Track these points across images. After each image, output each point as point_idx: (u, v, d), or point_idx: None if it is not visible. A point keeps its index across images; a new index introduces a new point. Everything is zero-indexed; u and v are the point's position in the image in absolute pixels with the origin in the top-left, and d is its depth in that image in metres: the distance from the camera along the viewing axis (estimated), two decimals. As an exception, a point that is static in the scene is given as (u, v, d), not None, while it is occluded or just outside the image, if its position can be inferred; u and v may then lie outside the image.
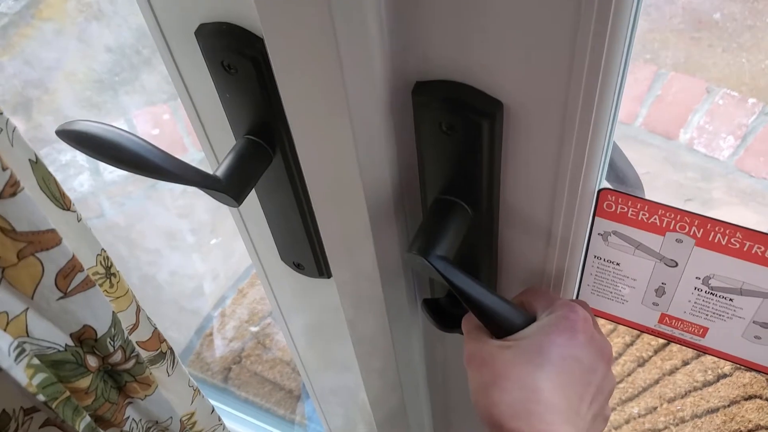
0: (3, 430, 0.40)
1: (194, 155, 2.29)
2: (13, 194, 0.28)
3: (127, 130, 0.48)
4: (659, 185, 1.65)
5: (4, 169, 0.28)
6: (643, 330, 0.56)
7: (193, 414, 0.54)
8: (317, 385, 0.96)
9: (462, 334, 0.63)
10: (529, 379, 0.39)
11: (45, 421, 0.43)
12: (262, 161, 0.52)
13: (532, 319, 0.45)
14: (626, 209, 0.46)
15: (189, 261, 1.95)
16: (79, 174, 2.06)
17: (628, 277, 0.52)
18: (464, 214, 0.47)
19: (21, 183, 0.29)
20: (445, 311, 0.57)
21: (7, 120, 0.31)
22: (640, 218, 0.46)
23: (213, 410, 0.58)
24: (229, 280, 1.95)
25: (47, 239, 0.31)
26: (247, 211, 0.65)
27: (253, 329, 1.89)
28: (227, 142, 0.56)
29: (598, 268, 0.52)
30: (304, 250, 0.63)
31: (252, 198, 0.61)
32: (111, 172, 2.18)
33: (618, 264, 0.51)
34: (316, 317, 0.78)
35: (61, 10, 2.42)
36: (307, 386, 1.00)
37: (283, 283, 0.74)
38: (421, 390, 0.78)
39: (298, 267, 0.67)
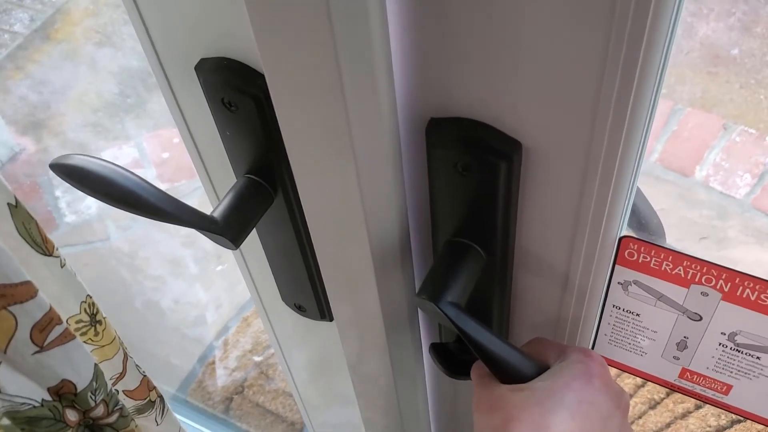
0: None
1: (202, 180, 2.27)
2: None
3: (124, 167, 0.46)
4: (673, 222, 1.62)
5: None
6: (662, 384, 0.53)
7: (184, 464, 0.51)
8: (316, 422, 0.93)
9: (470, 379, 0.61)
10: (543, 422, 0.37)
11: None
12: (262, 201, 0.49)
13: (545, 368, 0.42)
14: (649, 258, 0.44)
15: (192, 289, 1.93)
16: (86, 197, 2.05)
17: (648, 329, 0.49)
18: (477, 258, 0.45)
19: (-8, 232, 0.27)
20: (454, 356, 0.54)
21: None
22: (663, 268, 0.44)
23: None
24: (234, 308, 1.93)
25: (21, 292, 0.29)
26: (248, 250, 0.63)
27: (257, 359, 1.86)
28: (228, 179, 0.54)
29: (616, 318, 0.49)
30: (306, 292, 0.60)
31: (253, 237, 0.59)
32: (118, 196, 2.15)
33: (638, 315, 0.48)
34: (316, 357, 0.75)
35: (74, 32, 2.44)
36: (306, 422, 0.96)
37: (284, 323, 0.72)
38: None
39: (299, 309, 0.64)
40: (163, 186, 2.22)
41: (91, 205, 2.03)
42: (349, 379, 0.70)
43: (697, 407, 1.58)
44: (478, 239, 0.45)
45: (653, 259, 0.44)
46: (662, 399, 1.61)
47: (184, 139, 0.53)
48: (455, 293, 0.44)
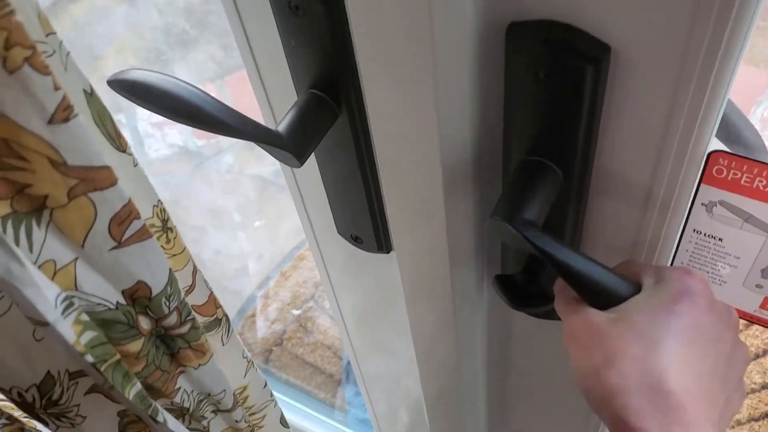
0: (47, 394, 0.37)
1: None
2: (66, 120, 0.25)
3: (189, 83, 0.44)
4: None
5: (57, 89, 0.24)
6: (740, 316, 0.50)
7: (245, 388, 0.51)
8: (364, 366, 0.93)
9: (532, 312, 0.59)
10: (651, 359, 0.34)
11: (91, 387, 0.39)
12: (326, 118, 0.48)
13: (638, 289, 0.39)
14: (739, 175, 0.41)
15: (233, 241, 1.94)
16: (126, 151, 2.05)
17: (730, 255, 0.46)
18: (555, 177, 0.42)
19: (75, 109, 0.25)
20: (520, 288, 0.52)
21: (61, 42, 0.27)
22: (755, 186, 0.41)
23: (266, 384, 0.54)
24: (273, 262, 1.93)
25: (102, 177, 0.27)
26: (304, 177, 0.61)
27: (295, 312, 1.86)
28: (288, 98, 0.52)
29: (696, 243, 0.47)
30: (364, 222, 0.59)
31: (311, 163, 0.57)
32: (156, 151, 2.18)
33: (720, 240, 0.46)
34: (370, 293, 0.74)
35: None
36: (353, 366, 0.96)
37: (337, 257, 0.70)
38: (479, 373, 0.73)
39: (356, 240, 0.63)
40: (197, 143, 2.22)
41: (129, 159, 2.04)
42: (401, 320, 0.69)
43: (744, 364, 1.54)
44: (556, 157, 0.43)
45: (744, 175, 0.41)
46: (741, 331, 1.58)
47: (242, 53, 0.51)
48: (532, 214, 0.41)
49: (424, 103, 0.39)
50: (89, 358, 0.29)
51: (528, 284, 0.52)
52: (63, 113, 0.24)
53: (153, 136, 2.22)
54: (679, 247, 0.48)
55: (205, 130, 0.45)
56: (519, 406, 0.78)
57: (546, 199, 0.42)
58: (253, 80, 0.53)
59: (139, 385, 0.33)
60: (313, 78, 0.47)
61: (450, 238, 0.50)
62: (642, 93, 0.38)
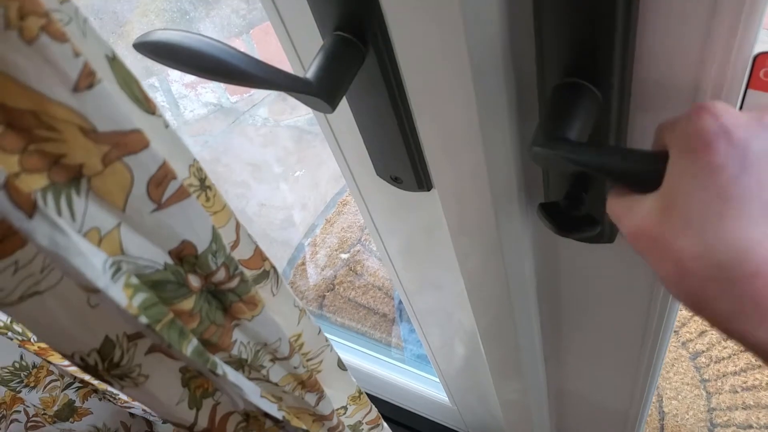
0: (108, 357, 0.38)
1: (274, 94, 2.27)
2: (90, 86, 0.24)
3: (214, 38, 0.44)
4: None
5: (77, 55, 0.24)
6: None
7: (300, 335, 0.51)
8: (416, 304, 0.93)
9: (578, 237, 0.58)
10: (711, 240, 0.30)
11: (151, 347, 0.40)
12: (354, 59, 0.47)
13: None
14: (790, 77, 0.39)
15: (276, 192, 1.95)
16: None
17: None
18: (593, 98, 0.41)
19: (98, 75, 0.25)
20: (564, 214, 0.51)
21: (77, 9, 0.27)
22: (807, 87, 0.39)
23: (320, 331, 0.55)
24: (317, 210, 1.95)
25: (134, 141, 0.27)
26: (338, 123, 0.60)
27: (344, 256, 1.89)
28: (314, 43, 0.51)
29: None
30: (402, 161, 0.58)
31: (343, 108, 0.56)
32: (191, 111, 2.18)
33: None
34: (415, 234, 0.74)
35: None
36: (405, 305, 0.97)
37: (379, 199, 0.70)
38: (530, 302, 0.73)
39: (395, 181, 0.62)
40: (230, 99, 2.22)
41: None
42: (450, 253, 0.68)
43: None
44: (592, 76, 0.41)
45: (794, 76, 0.39)
46: None
47: (263, 1, 0.50)
48: (574, 135, 0.40)
49: (452, 29, 0.38)
50: (143, 320, 0.30)
51: (572, 209, 0.51)
52: (86, 80, 0.24)
53: (187, 97, 2.23)
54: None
55: (233, 83, 0.44)
56: (572, 331, 0.78)
57: (585, 121, 0.41)
58: (277, 29, 0.52)
59: (195, 341, 0.34)
60: (336, 19, 0.46)
61: (490, 169, 0.50)
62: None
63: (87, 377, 1.17)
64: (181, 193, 0.31)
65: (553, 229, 0.53)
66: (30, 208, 0.23)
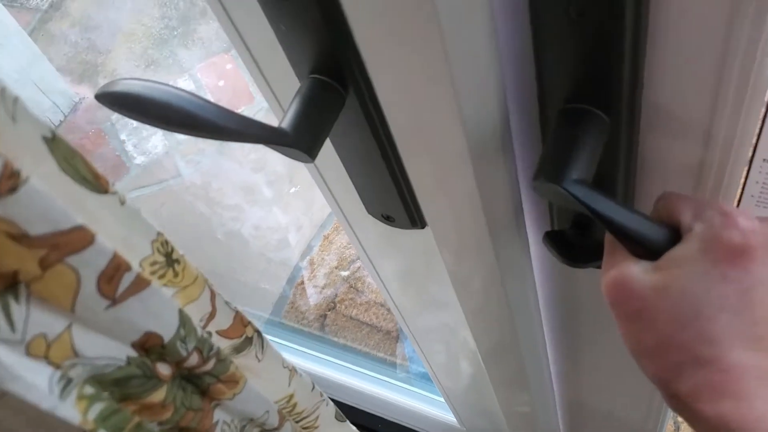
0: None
1: (262, 104, 2.24)
2: (13, 189, 0.21)
3: (182, 88, 0.40)
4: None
5: (-6, 157, 0.20)
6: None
7: (292, 396, 0.48)
8: (414, 327, 0.90)
9: (585, 266, 0.54)
10: (706, 339, 0.31)
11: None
12: (333, 103, 0.43)
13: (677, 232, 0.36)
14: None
15: (270, 214, 1.92)
16: (152, 135, 2.04)
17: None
18: (600, 124, 0.37)
19: (24, 171, 0.21)
20: (571, 243, 0.48)
21: (4, 89, 0.24)
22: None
23: (314, 387, 0.52)
24: (314, 228, 1.92)
25: (75, 239, 0.24)
26: (324, 164, 0.57)
27: (344, 274, 1.85)
28: (292, 85, 0.48)
29: (767, 174, 0.42)
30: (393, 199, 0.55)
31: (328, 148, 0.53)
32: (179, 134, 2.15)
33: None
34: (409, 264, 0.71)
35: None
36: (403, 329, 0.94)
37: (371, 235, 0.67)
38: (535, 324, 0.70)
39: (387, 219, 0.59)
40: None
41: (157, 144, 2.03)
42: (445, 280, 0.65)
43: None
44: (599, 100, 0.38)
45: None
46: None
47: (237, 47, 0.47)
48: (581, 169, 0.37)
49: (435, 65, 0.35)
50: (100, 435, 0.26)
51: (579, 238, 0.48)
52: (8, 182, 0.21)
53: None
54: (748, 181, 0.43)
55: (204, 137, 0.41)
56: (586, 344, 0.75)
57: (593, 149, 0.38)
58: (251, 70, 0.49)
59: (166, 444, 0.30)
60: (312, 62, 0.42)
61: (485, 203, 0.46)
62: (693, 13, 0.33)
63: None
64: (139, 284, 0.27)
65: (560, 260, 0.50)
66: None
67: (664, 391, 0.33)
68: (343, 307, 1.82)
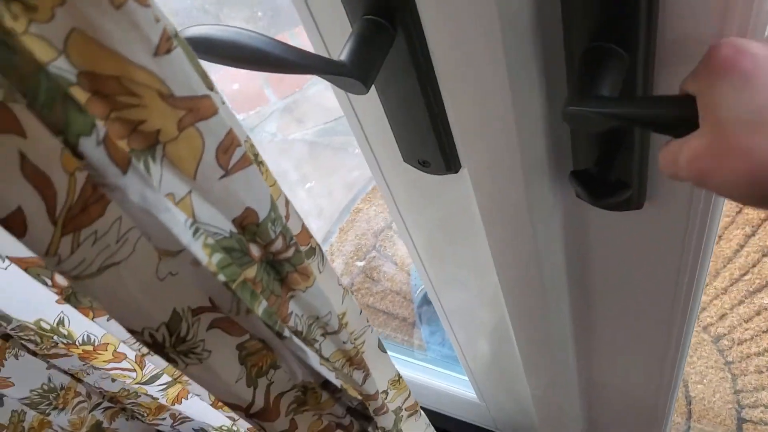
0: (176, 332, 0.40)
1: (276, 104, 2.30)
2: (168, 51, 0.26)
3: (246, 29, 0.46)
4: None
5: (157, 20, 0.25)
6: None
7: (345, 313, 0.53)
8: (444, 298, 0.94)
9: (611, 202, 0.58)
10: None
11: (211, 323, 0.42)
12: (385, 41, 0.48)
13: None
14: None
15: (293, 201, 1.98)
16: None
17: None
18: (620, 59, 0.43)
19: (174, 40, 0.27)
20: (596, 181, 0.53)
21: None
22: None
23: (361, 312, 0.56)
24: (332, 217, 1.97)
25: (205, 107, 0.29)
26: (364, 111, 0.62)
27: (360, 264, 1.90)
28: (341, 31, 0.53)
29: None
30: (431, 143, 0.60)
31: (369, 95, 0.58)
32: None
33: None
34: (441, 220, 0.75)
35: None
36: (432, 300, 0.98)
37: (404, 188, 0.72)
38: (561, 282, 0.75)
39: (423, 165, 0.64)
40: (238, 117, 2.25)
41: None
42: (479, 238, 0.70)
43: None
44: (619, 39, 0.43)
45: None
46: (780, 243, 1.56)
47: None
48: (605, 95, 0.42)
49: (481, 4, 0.40)
50: (221, 278, 0.31)
51: (603, 174, 0.53)
52: (166, 44, 0.26)
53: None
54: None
55: (272, 71, 0.46)
56: (601, 318, 0.79)
57: (615, 80, 0.43)
58: (303, 17, 0.54)
59: (265, 302, 0.35)
60: (365, 4, 0.48)
61: (521, 142, 0.51)
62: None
63: (119, 385, 1.18)
64: (245, 160, 0.32)
65: (586, 197, 0.55)
66: (125, 164, 0.25)
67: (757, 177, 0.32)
68: (360, 295, 1.87)
